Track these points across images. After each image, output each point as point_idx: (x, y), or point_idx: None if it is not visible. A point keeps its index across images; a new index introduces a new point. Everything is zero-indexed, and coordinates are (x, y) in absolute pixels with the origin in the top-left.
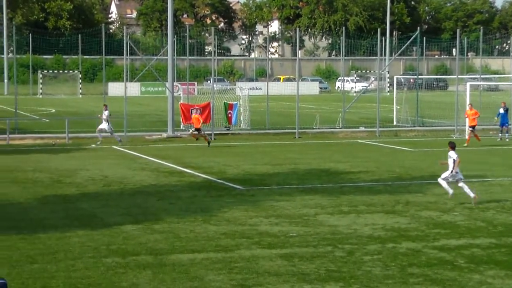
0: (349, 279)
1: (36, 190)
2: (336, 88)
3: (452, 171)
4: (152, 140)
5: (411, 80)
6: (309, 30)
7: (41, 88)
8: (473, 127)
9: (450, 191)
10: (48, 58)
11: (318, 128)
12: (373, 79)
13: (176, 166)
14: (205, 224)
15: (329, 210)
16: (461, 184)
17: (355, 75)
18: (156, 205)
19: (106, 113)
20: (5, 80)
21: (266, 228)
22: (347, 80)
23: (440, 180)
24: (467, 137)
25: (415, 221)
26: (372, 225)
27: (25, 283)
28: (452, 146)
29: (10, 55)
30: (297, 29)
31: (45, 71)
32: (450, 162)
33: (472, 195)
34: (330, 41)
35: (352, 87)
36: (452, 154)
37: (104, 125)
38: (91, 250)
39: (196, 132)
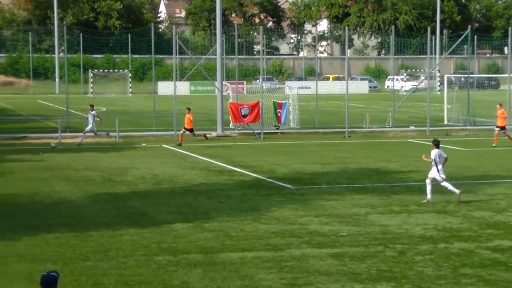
0: (401, 279)
1: (88, 188)
2: (386, 87)
3: (437, 169)
4: (201, 139)
5: (462, 79)
6: (358, 28)
7: (91, 87)
8: (502, 127)
9: (429, 196)
10: (98, 58)
11: (368, 127)
12: (423, 78)
13: (225, 165)
14: (255, 223)
15: (380, 209)
16: (444, 183)
17: (404, 74)
18: (206, 204)
19: (92, 113)
20: (57, 80)
21: (316, 227)
22: (397, 79)
23: (444, 183)
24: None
25: (467, 221)
26: (423, 225)
27: (78, 280)
28: (436, 143)
29: (61, 54)
30: (346, 28)
31: (96, 70)
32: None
33: (457, 191)
34: (379, 40)
35: (402, 86)
36: (433, 153)
37: (89, 126)
38: (142, 248)
39: (187, 132)
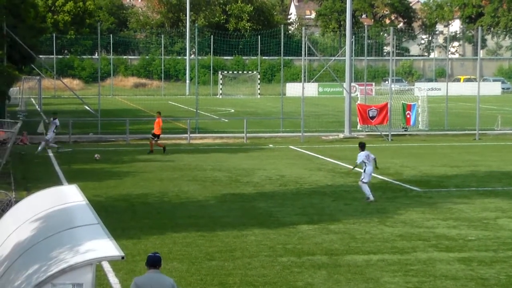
0: None
1: (215, 189)
2: None
3: (364, 170)
4: (328, 140)
5: None
6: (492, 29)
7: (221, 89)
8: None
9: (371, 197)
10: (228, 59)
11: (500, 130)
12: None
13: (352, 167)
14: (380, 226)
15: (510, 214)
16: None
17: None
18: (331, 206)
19: (55, 121)
20: (187, 81)
21: (444, 231)
22: None
23: (360, 183)
24: None
25: None
26: None
27: (204, 280)
28: (361, 146)
29: (192, 56)
30: (479, 28)
31: (225, 72)
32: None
33: (371, 198)
34: None
35: None
36: (360, 156)
37: (49, 134)
38: (267, 249)
39: (155, 139)
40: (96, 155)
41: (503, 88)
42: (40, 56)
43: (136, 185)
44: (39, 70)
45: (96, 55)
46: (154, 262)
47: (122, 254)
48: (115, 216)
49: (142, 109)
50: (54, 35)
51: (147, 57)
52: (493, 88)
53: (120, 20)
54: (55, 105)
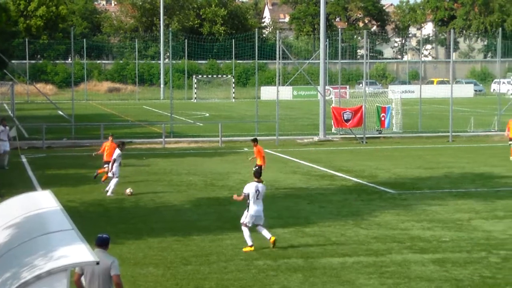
0: (504, 286)
1: (190, 193)
2: (492, 90)
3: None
4: (303, 143)
5: None
6: (464, 31)
7: (195, 93)
8: None
9: (249, 241)
10: (202, 63)
11: (473, 131)
12: None
13: (327, 170)
14: (356, 228)
15: (484, 215)
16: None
17: (511, 77)
18: (307, 209)
19: (6, 129)
20: (161, 85)
21: (418, 232)
22: (503, 82)
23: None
24: None
25: None
26: None
27: (179, 284)
28: (256, 174)
29: (166, 60)
30: (452, 30)
31: (200, 76)
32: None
33: (267, 236)
34: (485, 43)
35: (508, 89)
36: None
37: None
38: (243, 253)
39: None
40: (128, 190)
41: (475, 90)
42: (13, 61)
43: None
44: (12, 75)
45: (69, 60)
46: (101, 242)
47: (97, 259)
48: (90, 222)
49: (116, 114)
50: (26, 39)
51: (121, 61)
52: (466, 90)
53: (94, 25)
54: (28, 111)
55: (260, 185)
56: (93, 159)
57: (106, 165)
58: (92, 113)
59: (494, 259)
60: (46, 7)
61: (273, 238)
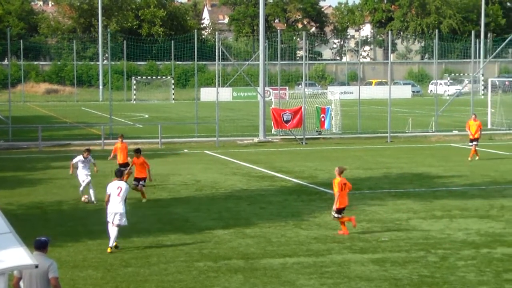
0: (443, 285)
1: (130, 195)
2: (429, 91)
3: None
4: (243, 144)
5: (506, 82)
6: (402, 33)
7: (134, 94)
8: (476, 140)
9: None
10: (141, 65)
11: (411, 132)
12: (467, 82)
13: (267, 171)
14: (296, 229)
15: (422, 214)
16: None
17: (448, 78)
18: (247, 210)
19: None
20: (100, 87)
21: (358, 232)
22: (440, 84)
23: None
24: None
25: (511, 226)
26: (465, 230)
27: (119, 286)
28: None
29: (105, 61)
30: (389, 32)
31: (139, 77)
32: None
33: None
34: (422, 44)
35: (445, 91)
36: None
37: None
38: (183, 254)
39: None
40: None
41: (413, 91)
42: None
43: (49, 193)
44: None
45: (6, 61)
46: (40, 245)
47: (36, 262)
48: (28, 224)
49: (54, 116)
50: None
51: (59, 62)
52: (403, 91)
53: (31, 26)
54: None
55: (120, 183)
56: (31, 161)
57: (123, 168)
58: (29, 115)
59: (432, 258)
60: None
61: (109, 250)
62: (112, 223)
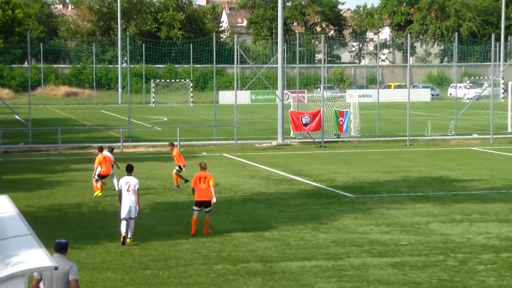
0: None
1: (148, 197)
2: (448, 94)
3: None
4: (262, 148)
5: None
6: (421, 36)
7: (153, 97)
8: None
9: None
10: (160, 68)
11: (430, 136)
12: (486, 85)
13: (286, 174)
14: (314, 232)
15: (441, 218)
16: None
17: (468, 82)
18: (265, 213)
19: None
20: (119, 90)
21: (377, 236)
22: (460, 87)
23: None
24: None
25: None
26: (485, 234)
27: None
28: (127, 168)
29: (124, 65)
30: (409, 35)
31: (158, 80)
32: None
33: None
34: (442, 47)
35: (464, 94)
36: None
37: None
38: (202, 257)
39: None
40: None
41: (432, 95)
42: None
43: (68, 195)
44: None
45: (26, 64)
46: (59, 247)
47: (56, 264)
48: (48, 226)
49: (73, 118)
50: None
51: (78, 65)
52: (422, 95)
53: (50, 29)
54: None
55: (130, 178)
56: (50, 163)
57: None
58: (49, 117)
59: (452, 262)
60: (2, 11)
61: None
62: (128, 217)
